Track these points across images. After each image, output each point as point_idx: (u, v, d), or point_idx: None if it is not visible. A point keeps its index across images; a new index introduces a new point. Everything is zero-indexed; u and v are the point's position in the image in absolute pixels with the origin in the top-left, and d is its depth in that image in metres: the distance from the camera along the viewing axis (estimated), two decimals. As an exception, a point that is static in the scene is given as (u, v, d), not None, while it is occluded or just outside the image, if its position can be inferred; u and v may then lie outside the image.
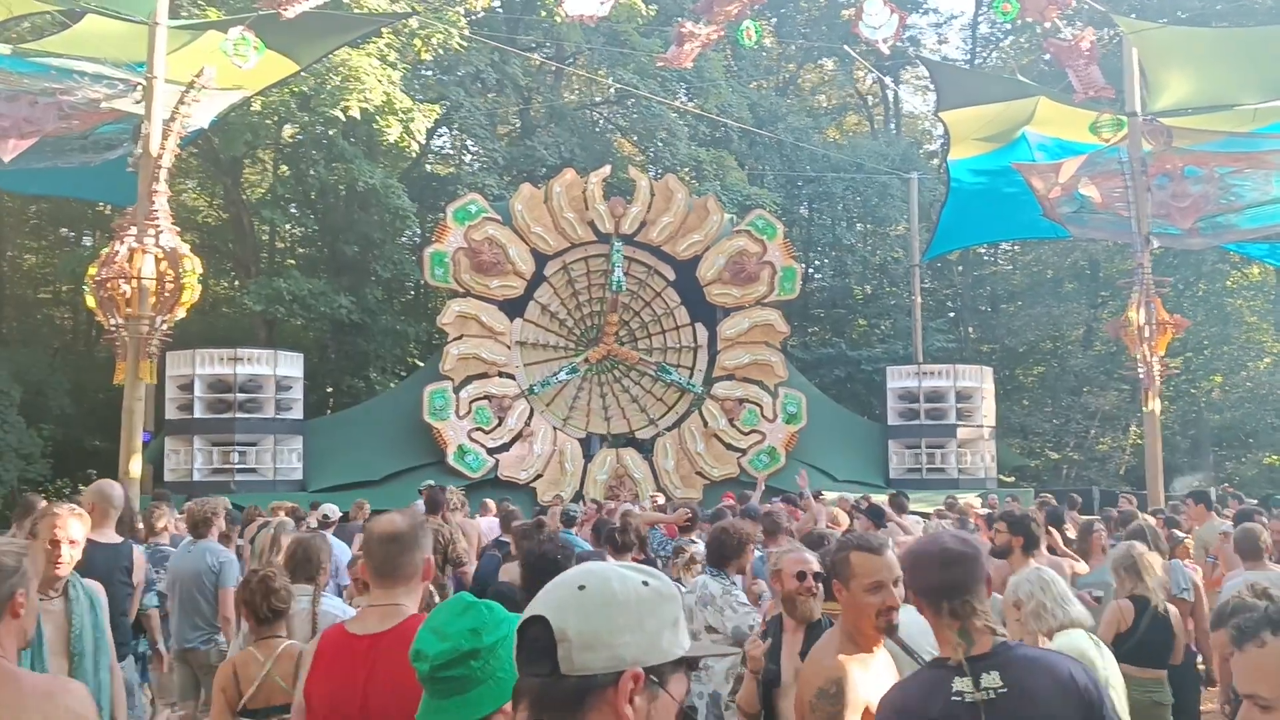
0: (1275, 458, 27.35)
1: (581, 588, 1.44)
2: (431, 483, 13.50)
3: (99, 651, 4.15)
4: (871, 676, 3.11)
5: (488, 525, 10.53)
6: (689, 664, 1.54)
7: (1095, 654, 3.81)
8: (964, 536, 2.80)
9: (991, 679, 2.52)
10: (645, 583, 1.47)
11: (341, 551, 8.03)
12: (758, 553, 6.29)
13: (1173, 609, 4.97)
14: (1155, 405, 15.25)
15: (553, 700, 1.41)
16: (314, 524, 9.16)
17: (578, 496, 17.42)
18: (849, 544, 3.22)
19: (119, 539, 5.79)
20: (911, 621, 3.17)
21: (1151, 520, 6.46)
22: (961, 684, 2.53)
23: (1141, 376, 15.22)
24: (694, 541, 7.45)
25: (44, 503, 9.31)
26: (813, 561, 3.95)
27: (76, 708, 2.58)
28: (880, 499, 13.31)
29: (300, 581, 4.57)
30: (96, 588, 4.32)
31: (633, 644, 1.43)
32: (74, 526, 4.13)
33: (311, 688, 2.82)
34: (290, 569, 4.57)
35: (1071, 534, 8.61)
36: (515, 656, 1.47)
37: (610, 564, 1.51)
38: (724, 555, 5.54)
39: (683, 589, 6.67)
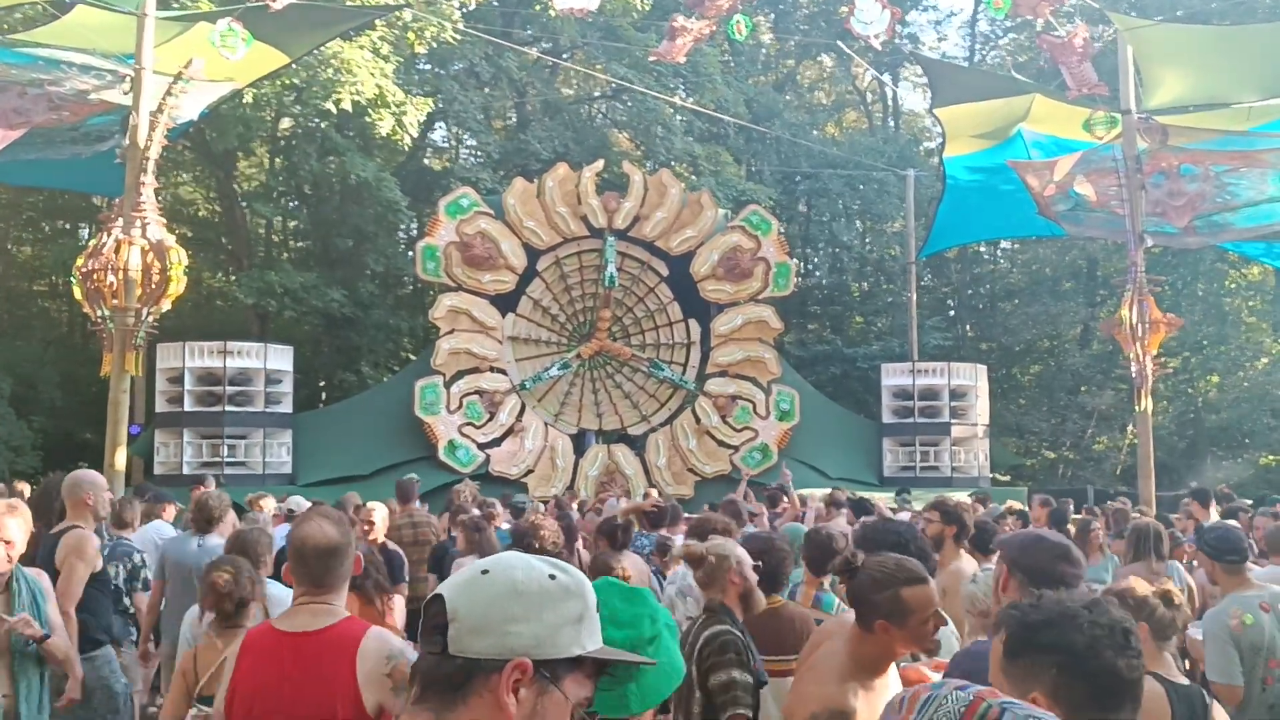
0: (1272, 458, 27.29)
1: (485, 572, 1.44)
2: (415, 478, 13.49)
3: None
4: (881, 699, 2.92)
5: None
6: (598, 665, 1.49)
7: None
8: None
9: None
10: (552, 575, 1.45)
11: None
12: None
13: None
14: (1147, 404, 15.19)
15: (437, 678, 1.42)
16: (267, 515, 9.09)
17: (568, 492, 17.38)
18: (894, 580, 2.98)
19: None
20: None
21: (1153, 522, 6.43)
22: None
23: (1134, 376, 15.17)
24: (671, 538, 7.43)
25: (25, 491, 9.25)
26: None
27: None
28: (883, 497, 13.32)
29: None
30: (39, 576, 4.26)
31: (525, 634, 1.41)
32: (12, 526, 4.07)
33: (236, 683, 2.78)
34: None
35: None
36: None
37: (524, 556, 1.48)
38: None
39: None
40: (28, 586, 4.11)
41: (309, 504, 10.08)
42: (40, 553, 5.07)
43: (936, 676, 3.12)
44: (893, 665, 3.10)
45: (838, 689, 2.97)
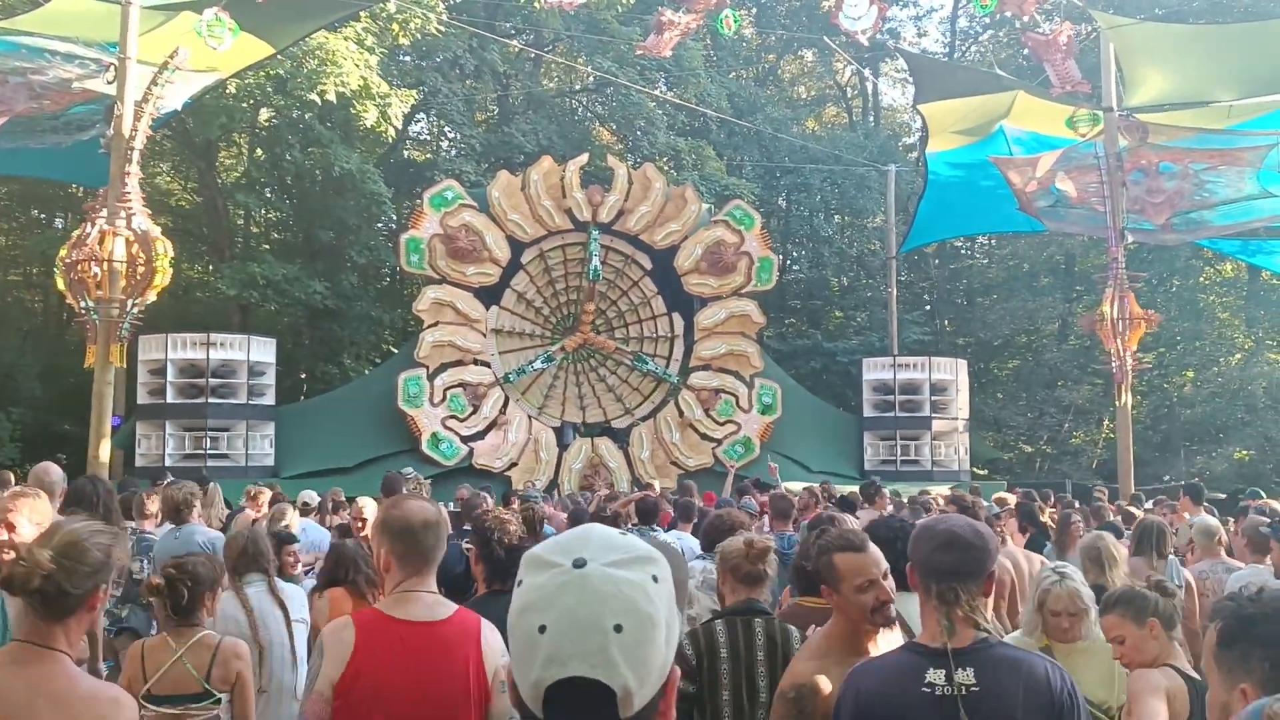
0: (1246, 453, 27.59)
1: (618, 629, 1.22)
2: (410, 470, 13.53)
3: None
4: None
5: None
6: None
7: None
8: (980, 528, 2.66)
9: (966, 675, 2.44)
10: (654, 577, 1.28)
11: (323, 537, 8.01)
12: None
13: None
14: (1127, 399, 15.39)
15: None
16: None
17: (552, 485, 17.42)
18: (830, 547, 3.11)
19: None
20: (912, 614, 3.09)
21: (1159, 520, 6.54)
22: (934, 675, 2.46)
23: (1114, 371, 15.35)
24: (654, 530, 7.47)
25: (10, 480, 9.17)
26: None
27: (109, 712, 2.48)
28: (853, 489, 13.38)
29: (251, 572, 4.67)
30: None
31: (670, 648, 1.29)
32: (23, 521, 4.06)
33: (370, 672, 2.70)
34: (241, 563, 4.60)
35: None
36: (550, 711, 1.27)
37: (609, 571, 1.25)
38: (717, 541, 5.60)
39: None
40: None
41: (319, 497, 10.06)
42: None
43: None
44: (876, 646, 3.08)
45: (808, 665, 3.04)
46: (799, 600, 4.35)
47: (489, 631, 2.80)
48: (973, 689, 2.42)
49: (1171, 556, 6.15)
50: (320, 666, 2.70)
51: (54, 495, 5.72)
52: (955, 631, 2.50)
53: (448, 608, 2.85)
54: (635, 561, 1.27)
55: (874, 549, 3.09)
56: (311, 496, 10.12)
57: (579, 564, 1.25)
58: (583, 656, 1.21)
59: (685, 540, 7.25)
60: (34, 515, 4.08)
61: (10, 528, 3.98)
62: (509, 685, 1.32)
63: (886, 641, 3.06)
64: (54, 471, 5.79)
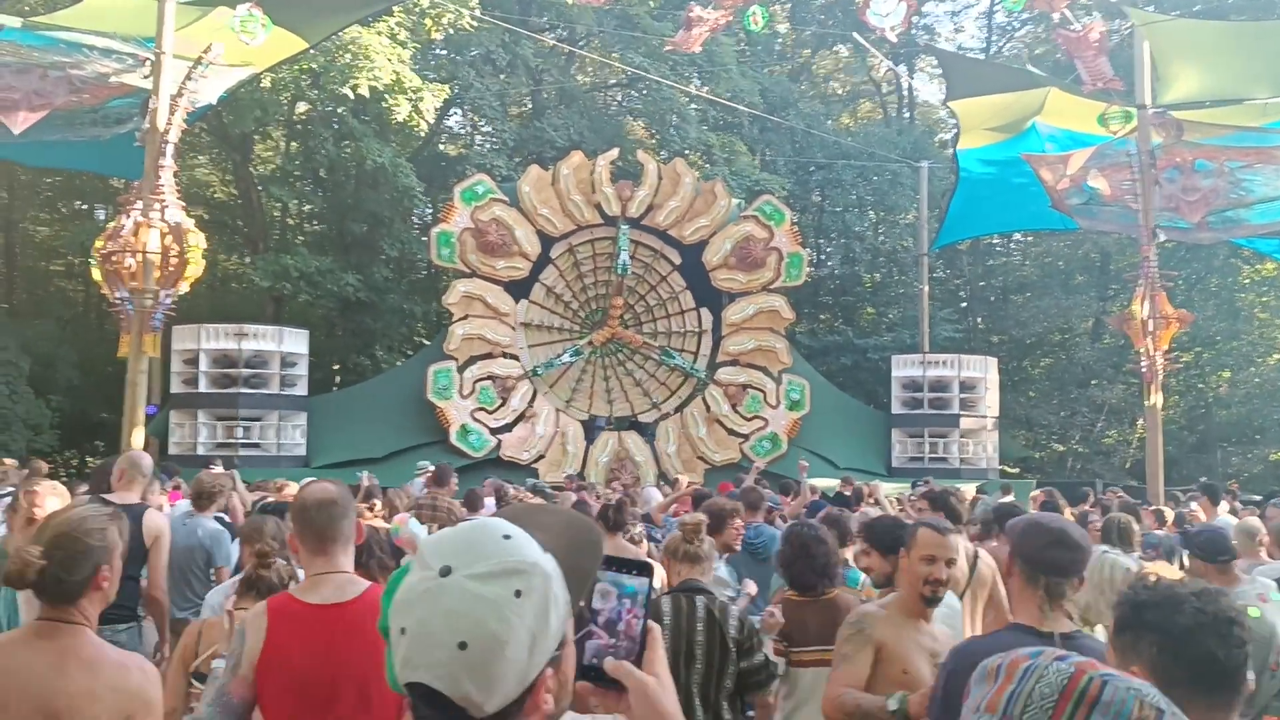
0: (1282, 454, 27.28)
1: (463, 646, 1.22)
2: (428, 464, 13.65)
3: None
4: (911, 642, 3.47)
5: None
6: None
7: None
8: (1082, 532, 2.98)
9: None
10: (518, 592, 1.26)
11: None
12: None
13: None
14: (1157, 399, 15.24)
15: None
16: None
17: (579, 478, 17.50)
18: (922, 523, 3.72)
19: (135, 500, 5.83)
20: (951, 612, 3.65)
21: (1123, 516, 6.48)
22: None
23: (1144, 370, 15.22)
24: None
25: (43, 469, 9.37)
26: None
27: (148, 688, 2.61)
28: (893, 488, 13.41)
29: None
30: None
31: (538, 656, 1.27)
32: (52, 504, 4.19)
33: (270, 660, 2.81)
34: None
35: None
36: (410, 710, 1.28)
37: (466, 585, 1.24)
38: (711, 528, 5.69)
39: None
40: None
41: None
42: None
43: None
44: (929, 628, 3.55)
45: (876, 610, 3.64)
46: (787, 593, 4.50)
47: None
48: None
49: (1134, 554, 6.09)
50: (241, 650, 2.82)
51: (144, 478, 5.93)
52: (1055, 620, 2.77)
53: (358, 586, 2.92)
54: (500, 575, 1.25)
55: (953, 539, 3.57)
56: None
57: (444, 572, 1.26)
58: (428, 667, 1.24)
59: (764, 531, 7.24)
60: (59, 499, 4.24)
61: (32, 521, 4.12)
62: None
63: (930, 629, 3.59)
64: (146, 459, 6.06)
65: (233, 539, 6.63)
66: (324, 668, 2.79)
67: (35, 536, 2.65)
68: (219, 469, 10.59)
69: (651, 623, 1.40)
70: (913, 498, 9.95)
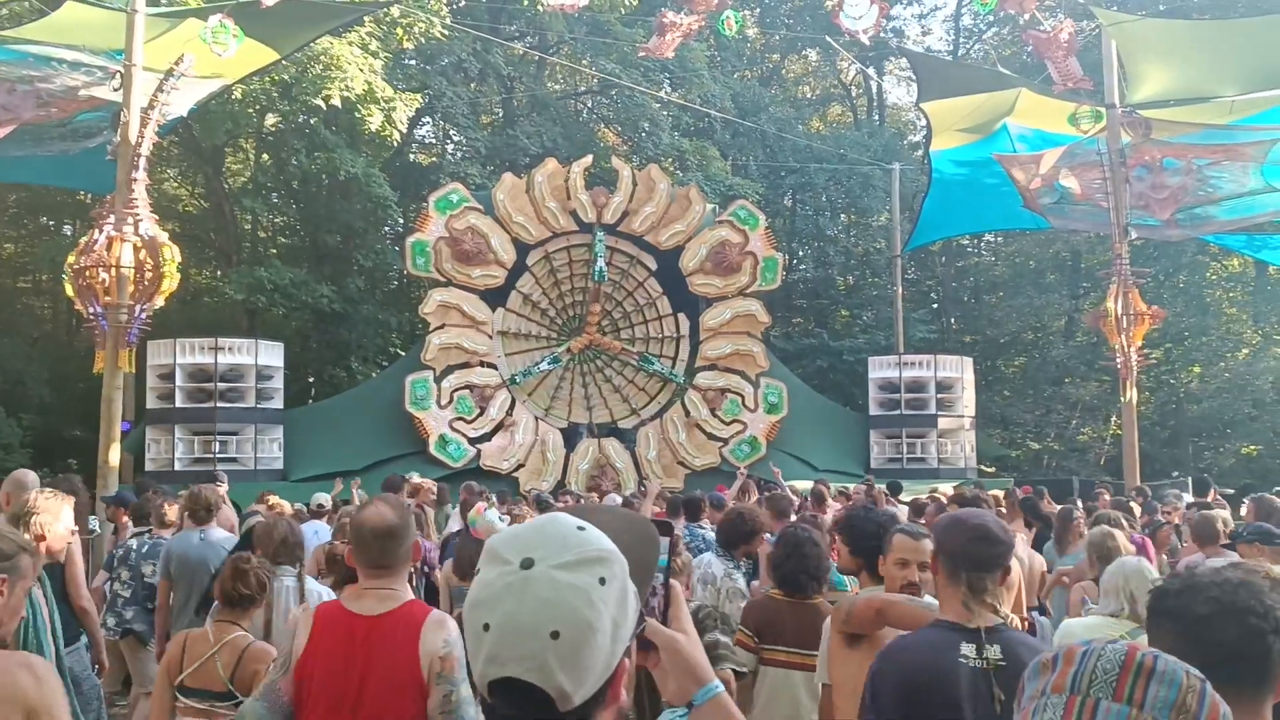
0: (1253, 448, 27.56)
1: (555, 635, 1.23)
2: (415, 475, 13.60)
3: (47, 637, 4.18)
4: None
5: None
6: None
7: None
8: (1004, 525, 2.99)
9: (994, 651, 2.70)
10: (602, 579, 1.27)
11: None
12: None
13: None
14: (1132, 395, 15.40)
15: None
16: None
17: (559, 486, 17.46)
18: (898, 529, 3.80)
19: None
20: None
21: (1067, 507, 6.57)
22: (967, 649, 2.71)
23: (1119, 367, 15.37)
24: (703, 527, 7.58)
25: (33, 488, 9.26)
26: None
27: (39, 687, 2.54)
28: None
29: (285, 563, 4.78)
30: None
31: (619, 645, 1.29)
32: (67, 515, 4.18)
33: (309, 662, 2.90)
34: (276, 552, 4.67)
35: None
36: (492, 708, 1.29)
37: (554, 574, 1.25)
38: (734, 539, 5.82)
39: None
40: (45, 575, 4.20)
41: (328, 499, 10.13)
42: None
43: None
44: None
45: (860, 602, 3.70)
46: (770, 591, 4.54)
47: (433, 625, 2.96)
48: (1001, 664, 2.68)
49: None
50: (289, 649, 2.93)
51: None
52: (980, 615, 2.77)
53: (398, 601, 3.00)
54: (584, 564, 1.27)
55: (926, 543, 3.53)
56: (325, 499, 10.18)
57: (526, 564, 1.26)
58: (519, 660, 1.24)
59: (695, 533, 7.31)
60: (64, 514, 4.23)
61: (40, 537, 4.10)
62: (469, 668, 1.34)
63: None
64: (30, 477, 5.89)
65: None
66: (353, 671, 2.87)
67: None
68: (225, 486, 10.52)
69: (673, 581, 1.43)
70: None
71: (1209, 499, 10.26)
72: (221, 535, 6.66)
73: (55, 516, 4.38)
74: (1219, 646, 1.93)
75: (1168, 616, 2.01)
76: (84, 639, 5.62)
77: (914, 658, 2.79)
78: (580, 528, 1.32)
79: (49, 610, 4.21)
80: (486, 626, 1.26)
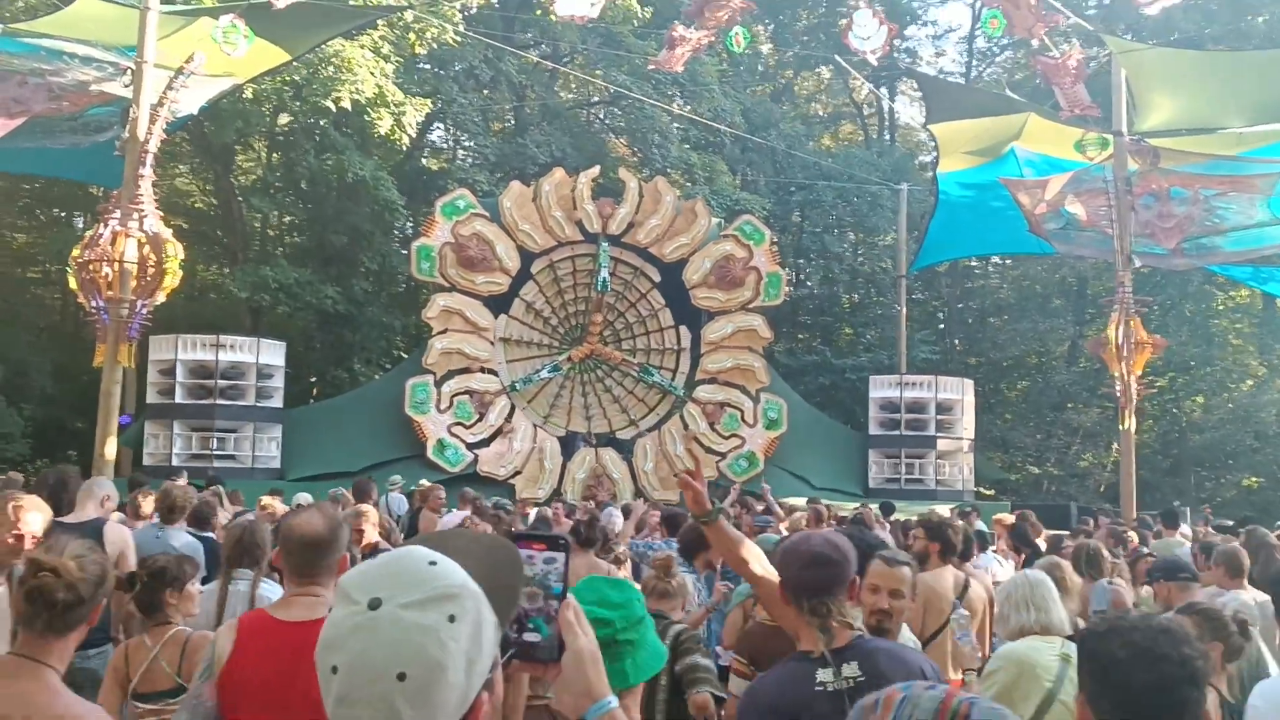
0: (1255, 480, 27.49)
1: (402, 677, 1.22)
2: (398, 478, 13.64)
3: None
4: None
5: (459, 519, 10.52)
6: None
7: (1046, 664, 3.74)
8: (836, 541, 2.92)
9: (851, 669, 2.67)
10: (451, 616, 1.25)
11: None
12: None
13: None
14: (1131, 423, 15.37)
15: None
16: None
17: (555, 494, 17.47)
18: (879, 554, 3.65)
19: (91, 517, 5.76)
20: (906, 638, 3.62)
21: (1093, 543, 6.51)
22: (824, 675, 2.67)
23: (1118, 394, 15.35)
24: (666, 544, 7.51)
25: (19, 481, 9.27)
26: None
27: None
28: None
29: (243, 566, 4.62)
30: None
31: (475, 680, 1.27)
32: (34, 519, 4.16)
33: (235, 669, 2.84)
34: (234, 554, 4.63)
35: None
36: None
37: (400, 614, 1.23)
38: (692, 548, 5.87)
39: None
40: None
41: (309, 500, 10.09)
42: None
43: None
44: None
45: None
46: (761, 618, 4.50)
47: None
48: (859, 680, 2.64)
49: (1102, 581, 6.11)
50: (212, 657, 2.89)
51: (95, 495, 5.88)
52: (834, 636, 2.74)
53: (326, 607, 2.94)
54: (432, 601, 1.25)
55: (903, 571, 3.55)
56: (305, 499, 10.17)
57: (374, 604, 1.24)
58: (368, 703, 1.22)
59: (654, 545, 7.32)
60: (44, 516, 4.22)
61: (20, 537, 4.10)
62: None
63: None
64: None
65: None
66: (281, 681, 2.81)
67: (53, 552, 2.59)
68: (183, 480, 10.49)
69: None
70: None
71: (1176, 535, 10.19)
72: (184, 540, 6.54)
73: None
74: (1127, 691, 1.94)
75: (1088, 656, 2.03)
76: (110, 644, 5.58)
77: (772, 693, 2.78)
78: (432, 562, 1.30)
79: None
80: (335, 669, 1.24)
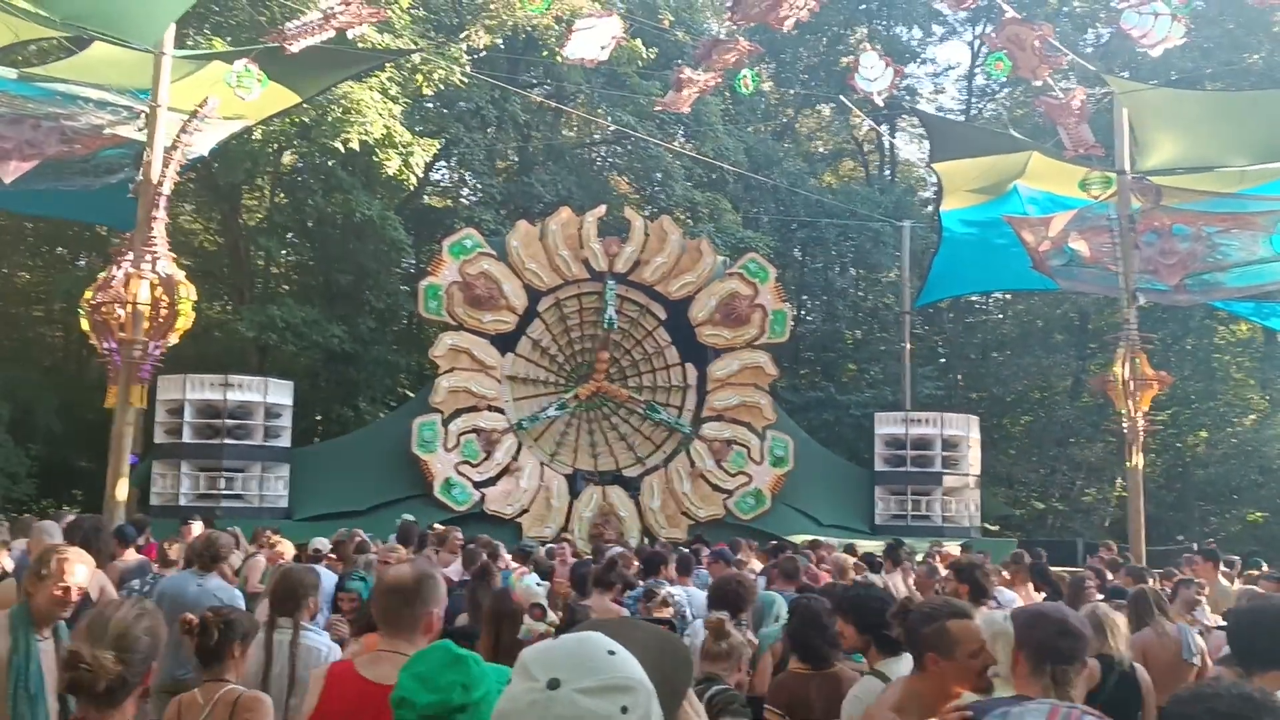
0: (1259, 515, 27.45)
1: None
2: (409, 517, 13.61)
3: (46, 690, 4.10)
4: None
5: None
6: None
7: None
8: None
9: None
10: (624, 708, 1.31)
11: (330, 582, 7.99)
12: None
13: (1140, 669, 5.01)
14: (1138, 460, 15.37)
15: None
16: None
17: (561, 533, 17.44)
18: (941, 613, 3.35)
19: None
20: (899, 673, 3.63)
21: (1149, 587, 6.48)
22: None
23: (1125, 432, 15.36)
24: (662, 584, 7.48)
25: (48, 529, 9.27)
26: None
27: None
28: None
29: (284, 615, 4.56)
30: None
31: None
32: (80, 572, 4.17)
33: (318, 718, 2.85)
34: (282, 601, 4.60)
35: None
36: None
37: (576, 698, 1.30)
38: (727, 603, 5.71)
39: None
40: (66, 633, 4.18)
41: (329, 543, 10.03)
42: None
43: None
44: None
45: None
46: (793, 665, 4.49)
47: None
48: None
49: (1183, 624, 6.07)
50: (300, 706, 2.94)
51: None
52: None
53: None
54: (608, 690, 1.30)
55: (980, 618, 3.44)
56: (323, 544, 10.16)
57: (552, 684, 1.30)
58: None
59: (692, 595, 7.31)
60: (89, 567, 4.23)
61: (67, 590, 4.10)
62: None
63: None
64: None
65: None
66: None
67: (91, 636, 2.59)
68: (199, 524, 10.48)
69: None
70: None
71: (1218, 575, 10.10)
72: (217, 584, 6.51)
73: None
74: None
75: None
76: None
77: None
78: (611, 651, 1.36)
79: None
80: None
